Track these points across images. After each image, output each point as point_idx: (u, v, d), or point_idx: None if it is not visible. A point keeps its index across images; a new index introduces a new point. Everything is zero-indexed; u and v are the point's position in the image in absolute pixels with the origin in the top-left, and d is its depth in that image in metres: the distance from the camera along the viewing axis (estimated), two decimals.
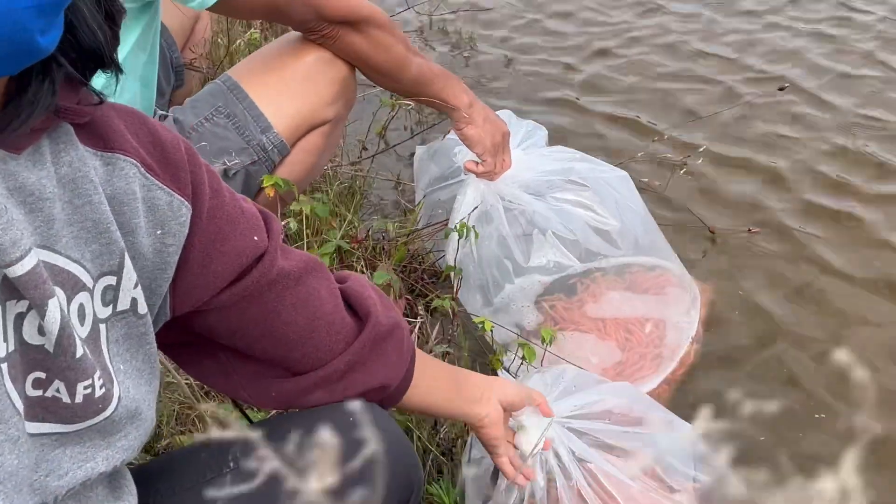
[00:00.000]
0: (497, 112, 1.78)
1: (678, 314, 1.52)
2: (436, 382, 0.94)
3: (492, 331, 1.44)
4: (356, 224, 1.69)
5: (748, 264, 1.81)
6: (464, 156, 1.60)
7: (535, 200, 1.52)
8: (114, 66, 0.60)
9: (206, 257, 0.70)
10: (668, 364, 1.48)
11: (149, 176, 0.65)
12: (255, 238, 0.73)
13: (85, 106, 0.59)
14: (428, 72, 1.47)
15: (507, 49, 2.74)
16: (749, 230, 1.89)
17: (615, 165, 1.65)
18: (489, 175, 1.54)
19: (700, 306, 1.57)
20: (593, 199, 1.53)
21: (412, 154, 2.24)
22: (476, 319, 1.49)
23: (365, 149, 2.19)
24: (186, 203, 0.67)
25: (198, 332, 0.77)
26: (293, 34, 1.47)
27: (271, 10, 1.35)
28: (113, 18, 0.59)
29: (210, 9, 1.29)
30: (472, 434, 1.12)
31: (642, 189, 1.93)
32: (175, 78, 1.75)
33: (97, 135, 0.62)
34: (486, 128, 1.50)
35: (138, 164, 0.64)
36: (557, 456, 1.07)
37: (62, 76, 0.56)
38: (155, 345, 0.68)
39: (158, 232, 0.66)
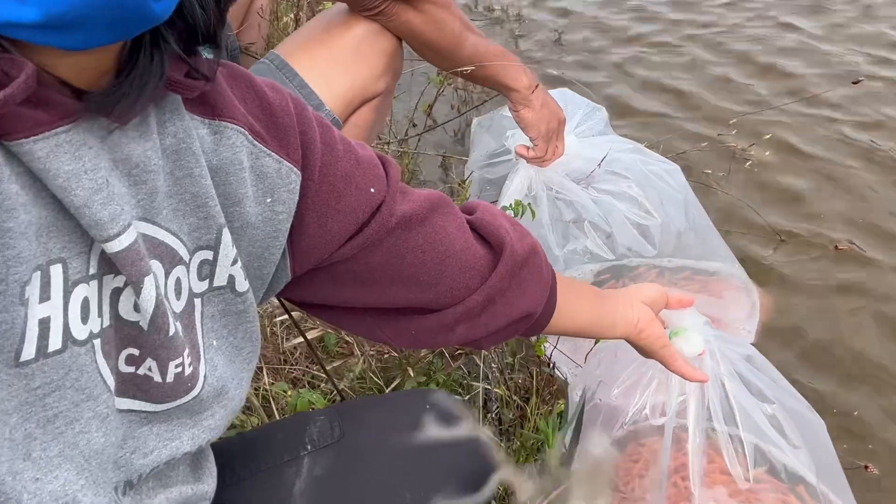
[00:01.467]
0: (556, 90, 1.73)
1: (737, 320, 1.48)
2: (579, 303, 0.91)
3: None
4: None
5: (823, 280, 1.69)
6: (516, 139, 1.56)
7: (580, 190, 1.49)
8: (217, 43, 0.57)
9: (321, 217, 0.68)
10: None
11: (257, 143, 0.63)
12: (372, 190, 0.71)
13: (194, 79, 0.57)
14: (485, 51, 1.43)
15: (559, 25, 2.68)
16: (836, 247, 1.77)
17: (678, 153, 1.61)
18: (539, 161, 1.51)
19: (760, 315, 1.52)
20: (638, 193, 1.50)
21: (457, 132, 2.21)
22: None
23: (414, 125, 2.16)
24: (296, 169, 0.65)
25: (323, 288, 0.75)
26: (339, 6, 1.44)
27: None
28: None
29: None
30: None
31: (705, 183, 1.89)
32: (230, 61, 1.72)
33: (205, 102, 0.61)
34: (543, 113, 1.47)
35: (246, 132, 0.62)
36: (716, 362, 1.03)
37: (170, 50, 0.54)
38: (256, 323, 0.66)
39: (268, 200, 0.64)
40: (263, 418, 1.17)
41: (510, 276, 0.79)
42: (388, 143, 1.98)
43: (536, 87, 1.47)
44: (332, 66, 1.38)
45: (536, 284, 0.82)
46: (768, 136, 2.07)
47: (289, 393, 1.19)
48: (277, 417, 1.17)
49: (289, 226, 0.66)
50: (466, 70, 1.45)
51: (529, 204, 1.46)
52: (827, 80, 2.31)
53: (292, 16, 2.15)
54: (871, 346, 1.55)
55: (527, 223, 1.46)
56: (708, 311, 1.46)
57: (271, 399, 1.21)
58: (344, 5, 1.42)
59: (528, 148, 1.50)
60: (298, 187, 0.66)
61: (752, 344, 1.44)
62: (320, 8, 1.83)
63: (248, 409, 1.18)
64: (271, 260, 0.67)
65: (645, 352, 0.97)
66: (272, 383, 1.23)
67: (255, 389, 1.21)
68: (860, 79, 2.32)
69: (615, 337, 0.95)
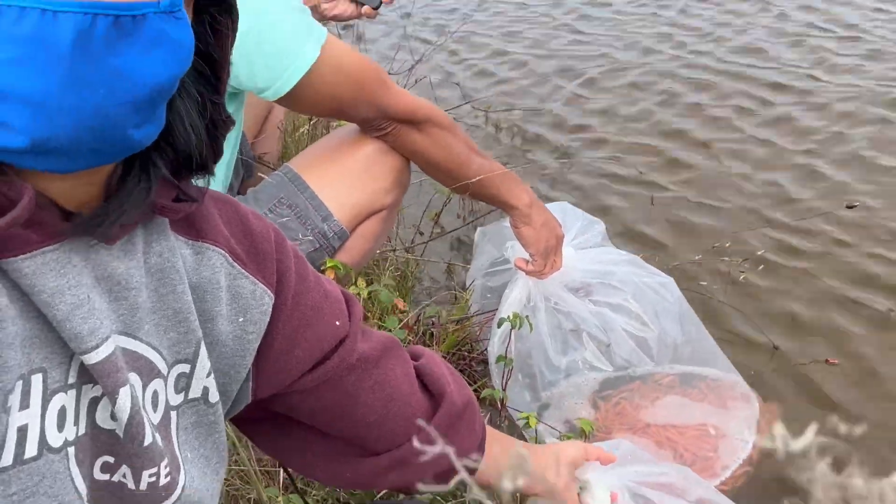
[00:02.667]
0: (554, 203, 1.79)
1: (736, 428, 1.48)
2: (505, 458, 0.93)
3: (535, 428, 1.41)
4: (408, 310, 1.70)
5: (819, 392, 1.69)
6: (515, 251, 1.62)
7: (578, 302, 1.53)
8: (209, 172, 0.61)
9: (288, 343, 0.71)
10: (714, 480, 1.43)
11: (235, 265, 0.67)
12: (337, 323, 0.75)
13: (181, 203, 0.60)
14: (490, 171, 1.50)
15: (565, 143, 2.77)
16: (827, 360, 1.78)
17: (673, 266, 1.64)
18: (538, 274, 1.56)
19: (758, 427, 1.53)
20: (634, 306, 1.53)
21: (461, 241, 2.27)
22: (521, 415, 1.47)
23: (420, 233, 2.22)
24: (269, 292, 0.69)
25: (276, 411, 0.77)
26: (351, 125, 1.52)
27: (337, 107, 1.38)
28: (216, 126, 0.60)
29: (279, 101, 1.32)
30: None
31: (702, 294, 1.92)
32: (244, 170, 1.81)
33: (190, 224, 0.64)
34: (543, 230, 1.52)
35: (226, 254, 0.66)
36: None
37: (159, 176, 0.57)
38: (224, 433, 0.68)
39: (240, 319, 0.67)
40: None
41: (447, 426, 0.83)
42: (395, 250, 2.04)
43: (535, 204, 1.53)
44: (342, 181, 1.47)
45: (469, 436, 0.86)
46: (761, 252, 2.11)
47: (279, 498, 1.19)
48: None
49: (257, 346, 0.69)
50: (471, 190, 1.52)
51: (527, 317, 1.50)
52: (828, 204, 2.36)
53: (307, 128, 2.26)
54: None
55: (525, 334, 1.49)
56: (710, 420, 1.48)
57: None
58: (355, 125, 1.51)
59: (526, 261, 1.56)
60: (271, 309, 0.69)
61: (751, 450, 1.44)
62: (336, 125, 1.93)
63: None
64: (237, 378, 0.69)
65: None
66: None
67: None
68: (855, 203, 2.37)
69: (535, 494, 0.99)
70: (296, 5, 1.29)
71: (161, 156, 0.57)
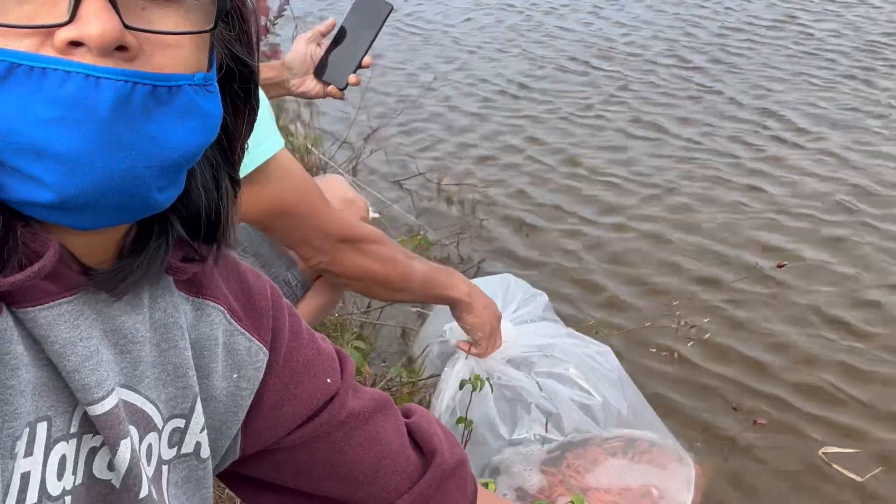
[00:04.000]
0: (497, 276, 1.84)
1: (675, 490, 1.55)
2: None
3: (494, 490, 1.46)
4: (363, 373, 1.74)
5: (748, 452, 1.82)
6: (454, 333, 1.63)
7: (522, 376, 1.58)
8: (217, 240, 0.63)
9: (279, 400, 0.72)
10: None
11: (233, 322, 0.68)
12: (329, 380, 0.75)
13: (189, 263, 0.62)
14: (432, 272, 1.48)
15: (517, 213, 2.87)
16: (755, 422, 1.91)
17: (625, 331, 1.71)
18: (481, 355, 1.59)
19: (695, 487, 1.60)
20: (577, 375, 1.59)
21: (416, 304, 2.33)
22: (480, 481, 1.51)
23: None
24: (264, 349, 0.70)
25: (264, 470, 0.78)
26: (321, 178, 1.52)
27: (278, 212, 1.27)
28: (227, 193, 0.63)
29: None
30: None
31: (651, 360, 2.01)
32: None
33: (193, 281, 0.65)
34: (485, 314, 1.54)
35: (225, 311, 0.67)
36: None
37: (176, 236, 0.59)
38: (211, 490, 0.68)
39: (235, 376, 0.68)
40: None
41: (437, 485, 0.82)
42: (351, 314, 2.09)
43: (473, 291, 1.54)
44: None
45: (460, 496, 0.84)
46: (707, 320, 2.23)
47: None
48: None
49: (249, 402, 0.69)
50: (419, 296, 1.50)
51: (488, 379, 1.55)
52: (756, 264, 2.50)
53: None
54: None
55: (472, 403, 1.54)
56: (649, 481, 1.54)
57: None
58: (323, 179, 1.53)
59: (469, 344, 1.58)
60: (265, 366, 0.69)
61: None
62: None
63: None
64: (228, 434, 0.69)
65: None
66: None
67: None
68: (784, 263, 2.51)
69: None
70: (264, 108, 1.28)
71: (178, 218, 0.59)
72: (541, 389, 1.57)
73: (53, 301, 0.54)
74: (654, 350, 2.14)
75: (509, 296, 1.75)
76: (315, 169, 2.91)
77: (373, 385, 1.79)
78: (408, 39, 4.73)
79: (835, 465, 1.80)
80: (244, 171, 1.21)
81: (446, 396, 1.58)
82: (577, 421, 1.56)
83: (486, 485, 1.45)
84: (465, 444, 1.52)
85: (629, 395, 1.64)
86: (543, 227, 2.79)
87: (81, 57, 0.48)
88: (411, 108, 3.74)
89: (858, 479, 1.76)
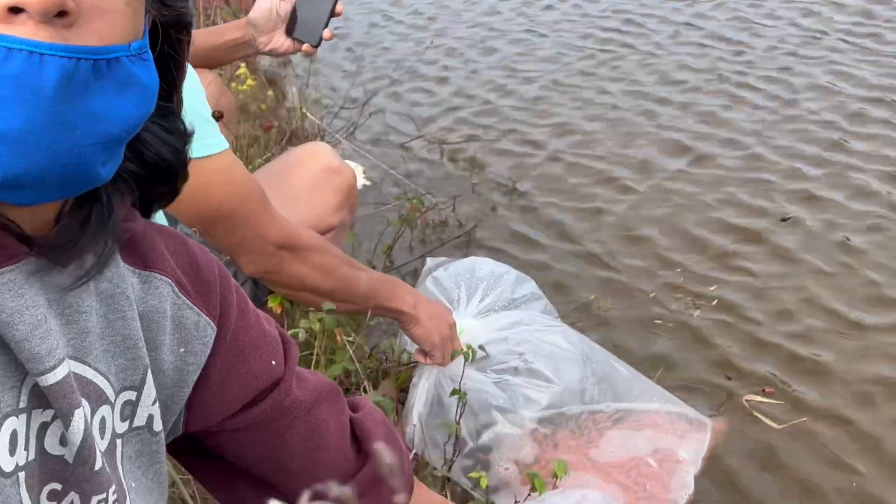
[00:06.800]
0: (467, 259, 1.79)
1: (686, 451, 1.51)
2: None
3: (486, 487, 1.41)
4: (344, 345, 1.70)
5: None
6: (413, 346, 1.58)
7: (483, 377, 1.52)
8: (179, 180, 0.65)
9: (224, 377, 0.71)
10: None
11: (181, 295, 0.67)
12: (273, 363, 0.75)
13: (127, 224, 0.62)
14: (375, 283, 1.43)
15: (516, 178, 2.81)
16: (763, 390, 1.85)
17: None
18: (440, 364, 1.54)
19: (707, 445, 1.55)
20: (533, 364, 1.52)
21: (417, 273, 2.28)
22: (472, 474, 1.46)
23: (374, 267, 2.24)
24: (212, 324, 0.69)
25: (207, 448, 0.78)
26: (297, 150, 1.48)
27: (214, 216, 1.22)
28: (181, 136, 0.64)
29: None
30: None
31: (655, 333, 1.96)
32: None
33: (138, 253, 0.65)
34: (432, 324, 1.49)
35: (172, 284, 0.67)
36: None
37: (119, 201, 0.59)
38: (164, 464, 0.68)
39: (181, 350, 0.68)
40: None
41: (368, 485, 0.81)
42: None
43: (419, 303, 1.48)
44: (289, 203, 1.46)
45: (390, 499, 0.84)
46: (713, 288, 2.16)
47: None
48: None
49: (195, 378, 0.69)
50: (362, 307, 1.44)
51: (482, 346, 1.51)
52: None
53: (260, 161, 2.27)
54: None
55: (448, 404, 1.48)
56: (661, 446, 1.49)
57: None
58: (308, 147, 1.49)
59: (424, 354, 1.52)
60: (212, 342, 0.69)
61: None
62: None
63: None
64: (174, 410, 0.69)
65: None
66: None
67: None
68: (789, 216, 2.44)
69: None
70: (203, 113, 1.21)
71: (124, 183, 0.59)
72: (499, 388, 1.50)
73: None
74: (659, 321, 2.08)
75: (473, 284, 1.68)
76: (311, 137, 2.85)
77: (368, 357, 1.75)
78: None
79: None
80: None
81: (415, 412, 1.54)
82: (541, 413, 1.48)
83: (477, 479, 1.40)
84: (460, 416, 1.47)
85: (607, 370, 1.57)
86: (541, 194, 2.72)
87: (22, 24, 0.47)
88: (408, 72, 3.65)
89: None
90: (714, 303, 2.14)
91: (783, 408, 1.81)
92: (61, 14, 0.48)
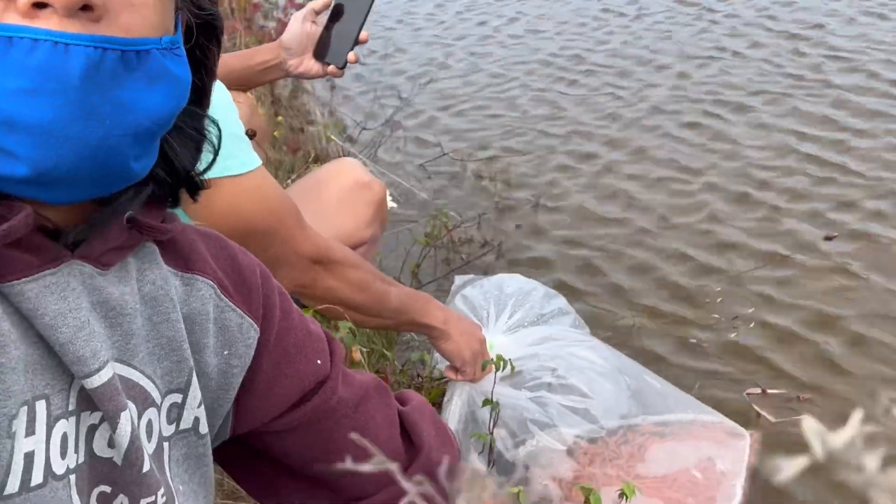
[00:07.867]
0: (494, 277, 1.79)
1: (728, 461, 1.48)
2: None
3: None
4: (391, 358, 1.69)
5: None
6: (443, 362, 1.58)
7: (517, 393, 1.51)
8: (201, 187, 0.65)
9: (270, 379, 0.71)
10: None
11: (223, 297, 0.67)
12: (319, 362, 0.74)
13: (167, 224, 0.62)
14: (407, 299, 1.42)
15: (541, 196, 2.80)
16: (799, 398, 1.82)
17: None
18: (471, 380, 1.53)
19: (748, 456, 1.52)
20: (567, 379, 1.50)
21: (443, 291, 2.27)
22: (511, 489, 1.44)
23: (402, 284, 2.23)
24: (255, 326, 0.69)
25: (253, 449, 0.77)
26: (327, 166, 1.49)
27: (245, 233, 1.18)
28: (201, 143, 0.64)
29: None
30: None
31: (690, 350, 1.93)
32: None
33: (180, 256, 0.65)
34: (463, 340, 1.48)
35: (215, 286, 0.66)
36: None
37: (148, 195, 0.59)
38: (212, 466, 0.67)
39: (226, 352, 0.67)
40: None
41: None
42: None
43: (449, 318, 1.47)
44: (321, 217, 1.47)
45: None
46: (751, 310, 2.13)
47: None
48: None
49: (240, 380, 0.69)
50: (392, 322, 1.44)
51: (510, 360, 1.49)
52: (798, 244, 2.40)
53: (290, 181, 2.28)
54: None
55: (482, 420, 1.46)
56: (707, 454, 1.45)
57: None
58: (338, 163, 1.49)
59: (454, 370, 1.52)
60: (256, 343, 0.69)
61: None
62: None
63: None
64: (220, 413, 0.69)
65: None
66: None
67: None
68: (834, 234, 2.39)
69: None
70: (237, 132, 1.21)
71: (156, 184, 0.59)
72: (535, 403, 1.49)
73: (38, 273, 0.53)
74: (694, 340, 2.05)
75: (502, 300, 1.68)
76: (335, 157, 2.86)
77: (400, 373, 1.74)
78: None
79: None
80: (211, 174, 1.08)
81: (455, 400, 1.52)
82: (578, 427, 1.46)
83: (517, 494, 1.37)
84: (494, 425, 1.45)
85: (640, 384, 1.54)
86: (571, 211, 2.71)
87: (47, 19, 0.48)
88: (427, 91, 3.67)
89: None
90: (751, 325, 2.10)
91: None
92: (86, 9, 0.49)
